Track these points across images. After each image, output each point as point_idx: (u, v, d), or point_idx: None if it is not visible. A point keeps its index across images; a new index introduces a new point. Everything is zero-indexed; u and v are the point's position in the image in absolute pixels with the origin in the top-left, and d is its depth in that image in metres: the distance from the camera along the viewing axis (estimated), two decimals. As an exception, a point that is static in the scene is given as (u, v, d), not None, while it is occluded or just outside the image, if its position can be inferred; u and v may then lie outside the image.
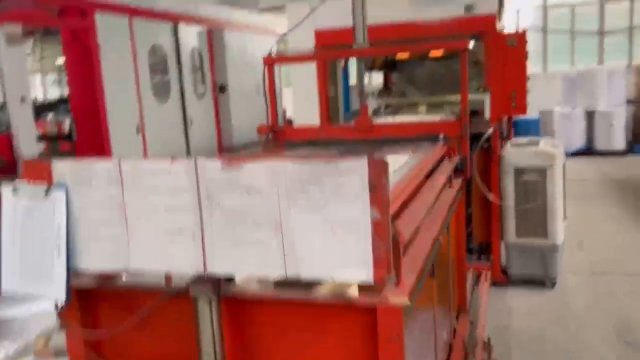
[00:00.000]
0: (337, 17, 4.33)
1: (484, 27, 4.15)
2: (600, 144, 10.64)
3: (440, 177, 2.45)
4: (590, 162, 10.01)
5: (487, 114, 5.82)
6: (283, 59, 3.50)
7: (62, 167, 1.62)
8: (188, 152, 6.71)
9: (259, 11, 9.12)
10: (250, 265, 1.48)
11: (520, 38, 4.14)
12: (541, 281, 4.42)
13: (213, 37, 7.21)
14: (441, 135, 3.55)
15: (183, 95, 6.63)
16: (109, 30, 5.47)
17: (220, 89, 7.34)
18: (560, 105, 10.96)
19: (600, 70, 11.05)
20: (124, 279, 1.70)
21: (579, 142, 10.65)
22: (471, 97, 5.71)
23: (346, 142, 3.30)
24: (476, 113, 5.72)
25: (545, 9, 12.25)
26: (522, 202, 4.26)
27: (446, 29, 4.23)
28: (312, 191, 1.39)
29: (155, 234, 1.55)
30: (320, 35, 4.45)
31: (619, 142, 10.57)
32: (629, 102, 10.81)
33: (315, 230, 1.40)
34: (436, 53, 5.36)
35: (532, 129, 10.18)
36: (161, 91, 6.33)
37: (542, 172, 4.19)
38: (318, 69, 4.46)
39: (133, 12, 5.79)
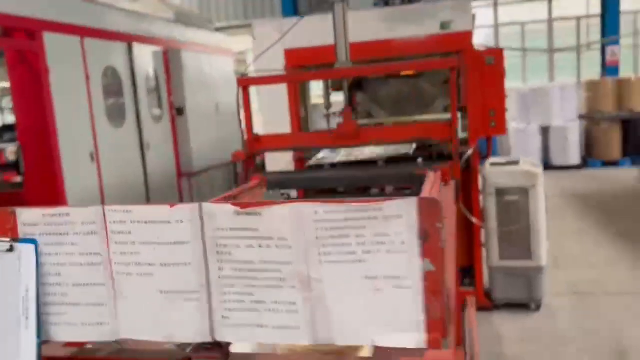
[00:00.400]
0: (307, 35, 4.14)
1: (460, 45, 4.03)
2: (556, 159, 10.80)
3: (448, 209, 2.25)
4: (548, 176, 10.08)
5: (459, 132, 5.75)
6: (258, 81, 3.27)
7: (30, 217, 1.32)
8: (145, 179, 6.34)
9: (213, 31, 8.86)
10: (270, 331, 1.22)
11: (498, 55, 4.04)
12: (526, 304, 4.28)
13: (169, 57, 6.89)
14: (419, 160, 3.38)
15: (139, 118, 6.27)
16: (60, 52, 5.09)
17: (178, 111, 7.01)
18: (515, 121, 11.10)
19: (553, 86, 11.27)
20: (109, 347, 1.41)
21: (535, 157, 10.77)
22: (440, 116, 5.61)
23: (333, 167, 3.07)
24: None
25: (496, 27, 12.46)
26: (504, 223, 4.13)
27: (422, 47, 4.09)
28: (349, 240, 1.15)
29: (150, 297, 1.27)
30: (290, 55, 4.23)
31: (574, 156, 10.76)
32: (581, 117, 11.05)
33: (353, 287, 1.16)
34: (405, 72, 5.24)
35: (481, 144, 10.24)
36: (116, 115, 5.96)
37: (524, 192, 4.08)
38: (289, 90, 4.24)
39: (85, 32, 5.44)
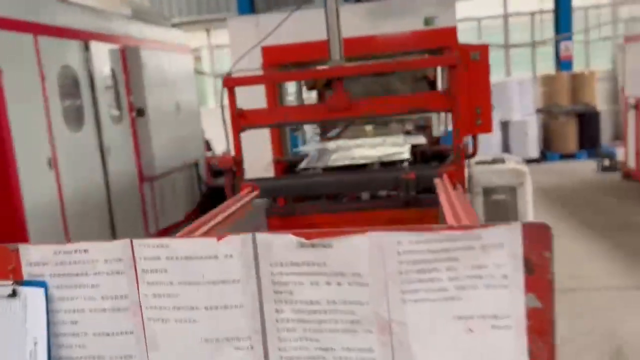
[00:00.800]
0: (283, 32, 3.94)
1: (445, 41, 3.91)
2: (516, 153, 10.92)
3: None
4: (510, 171, 10.21)
5: (436, 130, 5.65)
6: (245, 81, 3.05)
7: (38, 254, 1.09)
8: (107, 185, 5.98)
9: (171, 27, 8.51)
10: (342, 382, 1.04)
11: (483, 51, 3.94)
12: (514, 304, 4.21)
13: (128, 55, 6.53)
14: (405, 164, 3.23)
15: (98, 121, 5.91)
16: (12, 51, 4.71)
17: (138, 112, 6.66)
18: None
19: (511, 81, 11.41)
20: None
21: (496, 151, 10.88)
22: (413, 115, 5.49)
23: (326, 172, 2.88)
24: (424, 128, 5.52)
25: (453, 22, 12.51)
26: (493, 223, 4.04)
27: (406, 43, 3.95)
28: (439, 274, 0.98)
29: (192, 346, 1.06)
30: (268, 52, 4.02)
31: (533, 150, 10.93)
32: (538, 111, 11.23)
33: (442, 329, 0.99)
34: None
35: (449, 141, 10.28)
36: (74, 118, 5.59)
37: (512, 190, 4.00)
38: (267, 90, 4.02)
39: (39, 30, 5.05)
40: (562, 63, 11.81)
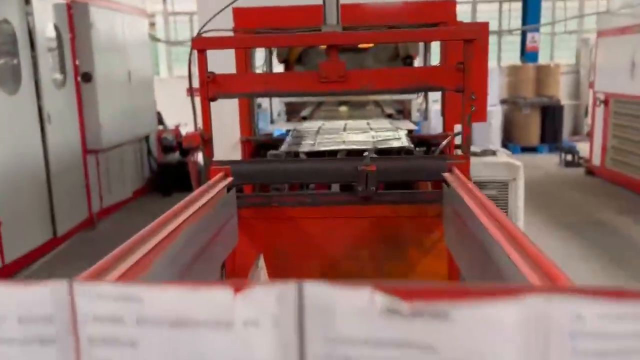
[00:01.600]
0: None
1: (444, 16, 3.48)
2: (479, 144, 10.72)
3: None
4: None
5: (414, 115, 5.28)
6: (219, 43, 2.54)
7: None
8: (46, 158, 5.32)
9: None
10: None
11: (483, 30, 3.54)
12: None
13: (75, 12, 5.82)
14: (367, 153, 2.79)
15: (38, 84, 5.22)
16: None
17: (84, 76, 5.98)
18: (440, 105, 10.91)
19: (477, 69, 11.16)
20: None
21: (458, 141, 10.65)
22: (394, 96, 5.10)
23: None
24: (401, 113, 5.13)
25: (421, 5, 12.16)
26: (481, 220, 3.69)
27: (398, 14, 3.51)
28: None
29: None
30: (240, 15, 3.50)
31: (496, 140, 10.74)
32: (502, 102, 11.05)
33: None
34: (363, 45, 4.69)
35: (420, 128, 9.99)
36: (9, 79, 4.90)
37: (504, 186, 3.65)
38: (238, 58, 3.50)
39: (-31, -27, 4.36)
40: (528, 54, 11.65)
